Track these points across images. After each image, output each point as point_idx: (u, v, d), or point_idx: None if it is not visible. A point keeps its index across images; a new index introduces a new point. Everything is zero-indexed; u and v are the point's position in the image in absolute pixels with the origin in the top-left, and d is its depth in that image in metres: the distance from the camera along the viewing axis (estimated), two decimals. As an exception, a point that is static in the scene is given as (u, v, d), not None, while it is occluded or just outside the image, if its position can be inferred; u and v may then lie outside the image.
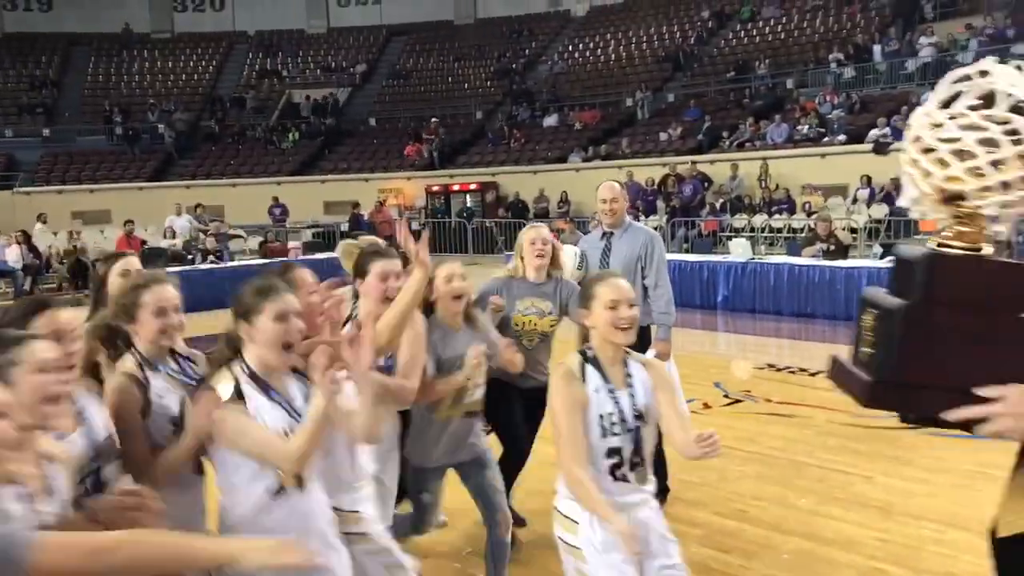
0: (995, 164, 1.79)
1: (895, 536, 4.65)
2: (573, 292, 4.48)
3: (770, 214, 17.88)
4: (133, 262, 3.73)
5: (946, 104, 1.89)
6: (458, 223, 22.45)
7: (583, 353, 2.98)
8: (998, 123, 1.81)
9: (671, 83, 26.26)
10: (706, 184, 19.52)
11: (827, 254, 12.28)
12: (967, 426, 1.80)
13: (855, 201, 17.34)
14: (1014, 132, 1.79)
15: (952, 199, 1.86)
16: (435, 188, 24.69)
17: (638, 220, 16.53)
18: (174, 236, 19.15)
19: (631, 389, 2.93)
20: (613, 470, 2.88)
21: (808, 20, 25.64)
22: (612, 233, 5.36)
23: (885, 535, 4.67)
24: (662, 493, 4.40)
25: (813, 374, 8.44)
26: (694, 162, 20.07)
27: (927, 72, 19.95)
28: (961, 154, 1.82)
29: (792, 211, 17.66)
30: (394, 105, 30.26)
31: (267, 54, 33.05)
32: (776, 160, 19.00)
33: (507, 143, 26.01)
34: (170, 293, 2.86)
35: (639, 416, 2.90)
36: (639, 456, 2.91)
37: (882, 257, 12.65)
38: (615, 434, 2.87)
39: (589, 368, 2.93)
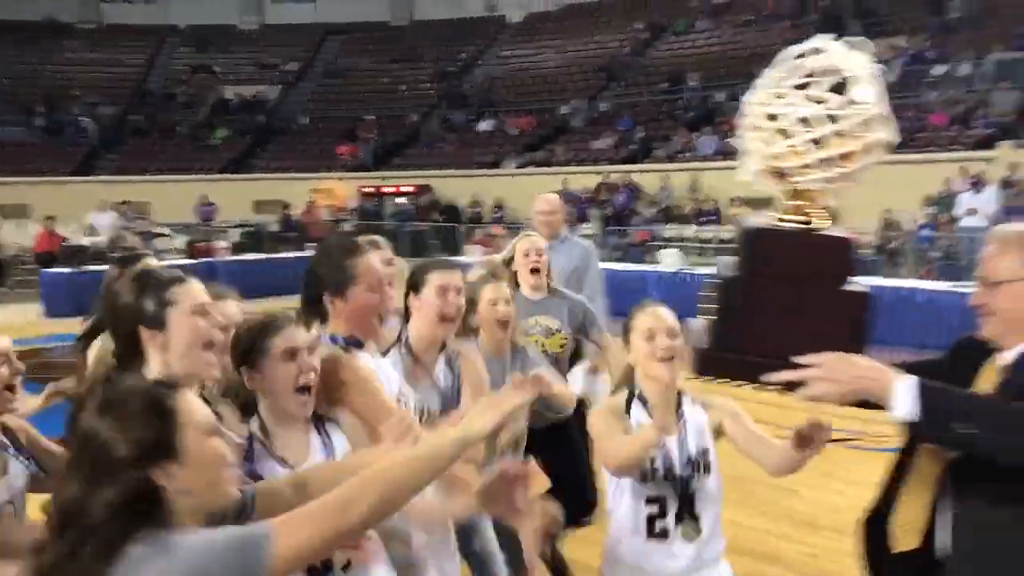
0: (814, 142, 1.84)
1: (822, 551, 4.77)
2: (592, 311, 4.16)
3: (699, 225, 18.17)
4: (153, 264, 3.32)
5: (777, 82, 1.94)
6: (392, 226, 22.30)
7: (630, 388, 2.72)
8: (817, 102, 1.84)
9: (605, 92, 26.51)
10: (638, 194, 19.75)
11: (755, 266, 12.58)
12: (791, 387, 1.89)
13: (782, 214, 17.75)
14: (831, 111, 1.83)
15: (782, 175, 1.94)
16: (368, 190, 24.52)
17: (572, 228, 16.70)
18: (97, 233, 18.61)
19: (682, 435, 2.62)
20: (651, 521, 2.57)
21: (740, 35, 26.16)
22: (549, 245, 5.39)
23: (813, 549, 4.78)
24: (588, 510, 3.97)
25: (738, 385, 8.60)
26: (627, 172, 20.31)
27: (852, 90, 20.52)
28: (784, 132, 1.86)
29: (720, 222, 17.99)
30: (328, 105, 29.92)
31: (199, 49, 32.38)
32: (706, 172, 19.32)
33: (442, 147, 25.96)
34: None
35: (691, 463, 2.62)
36: (689, 507, 2.59)
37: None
38: (655, 480, 2.57)
39: (635, 404, 2.67)
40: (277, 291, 16.40)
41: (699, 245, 17.73)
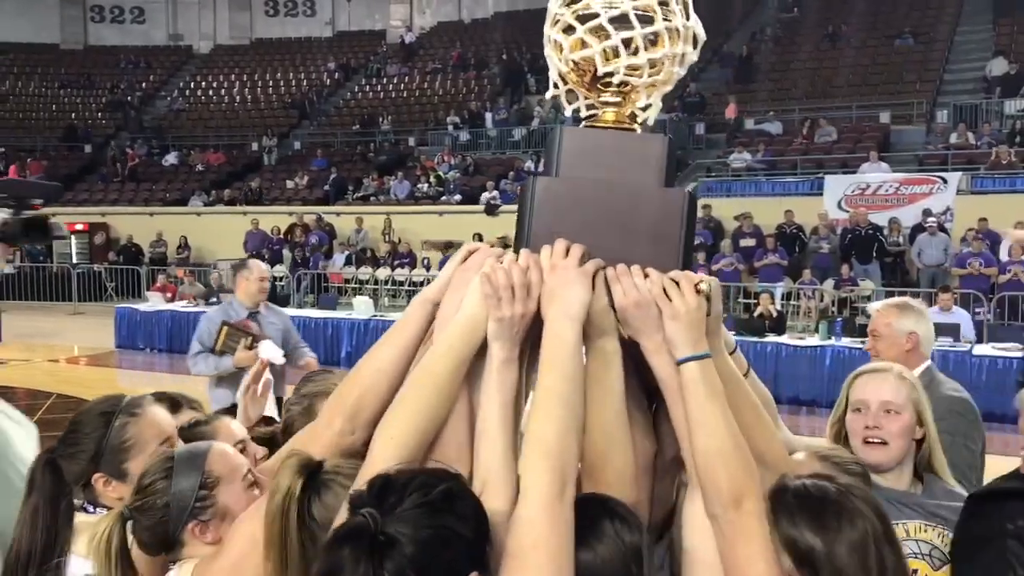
0: (625, 44, 1.68)
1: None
2: None
3: (393, 268, 18.58)
4: None
5: None
6: (61, 268, 20.49)
7: None
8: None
9: (297, 130, 26.38)
10: (332, 236, 19.82)
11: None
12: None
13: (470, 257, 18.60)
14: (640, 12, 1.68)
15: (593, 82, 1.76)
16: (34, 227, 22.38)
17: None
18: None
19: None
20: None
21: (428, 82, 27.16)
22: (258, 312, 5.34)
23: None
24: None
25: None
26: (321, 212, 20.33)
27: (532, 140, 22.13)
28: (599, 33, 1.68)
29: (414, 265, 18.53)
30: (-14, 131, 27.04)
31: None
32: (399, 215, 19.82)
33: (120, 181, 24.37)
34: None
35: None
36: None
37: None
38: None
39: None
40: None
41: (393, 287, 18.13)
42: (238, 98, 28.55)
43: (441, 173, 21.11)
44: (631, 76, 1.70)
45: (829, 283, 14.55)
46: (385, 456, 1.49)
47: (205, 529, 1.73)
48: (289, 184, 22.71)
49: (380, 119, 25.12)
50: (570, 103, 1.83)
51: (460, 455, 1.55)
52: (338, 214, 20.62)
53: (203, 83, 29.59)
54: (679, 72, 1.74)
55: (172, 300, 15.24)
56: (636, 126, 1.78)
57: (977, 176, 16.33)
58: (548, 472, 1.42)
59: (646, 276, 1.60)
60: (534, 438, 1.46)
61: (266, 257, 18.77)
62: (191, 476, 1.75)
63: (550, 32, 1.75)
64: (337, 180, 22.14)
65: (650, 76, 1.71)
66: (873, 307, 3.55)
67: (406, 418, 1.53)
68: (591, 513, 1.49)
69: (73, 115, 28.03)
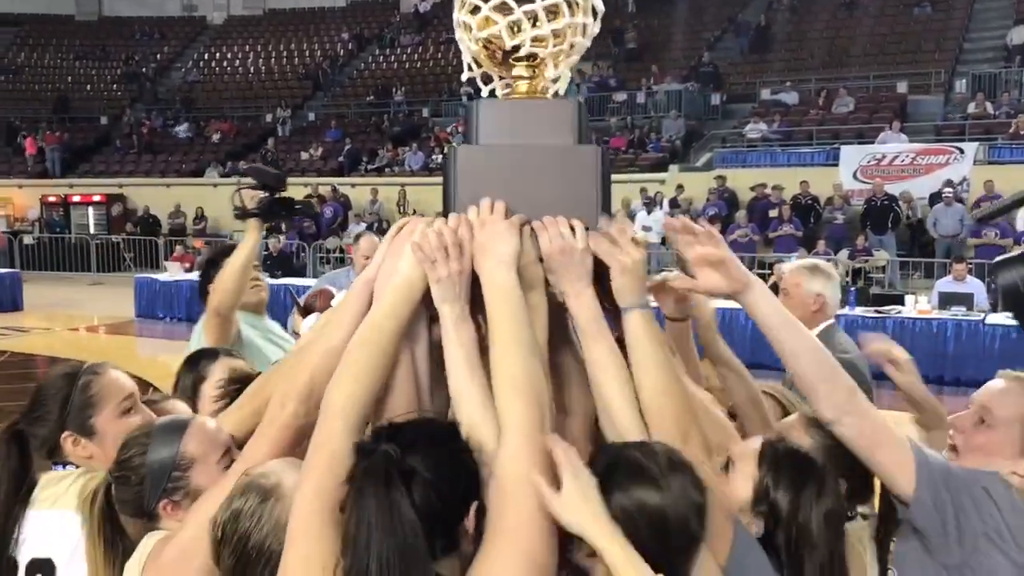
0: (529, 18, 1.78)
1: None
2: None
3: (408, 238, 18.66)
4: None
5: None
6: (79, 239, 20.71)
7: None
8: None
9: (311, 101, 26.37)
10: (347, 207, 19.89)
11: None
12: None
13: (484, 228, 18.63)
14: None
15: (504, 58, 1.84)
16: (52, 199, 22.58)
17: (280, 240, 16.54)
18: None
19: None
20: None
21: (442, 52, 27.04)
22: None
23: None
24: None
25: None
26: (336, 184, 20.38)
27: (545, 111, 22.01)
28: (503, 8, 1.78)
29: (428, 236, 18.60)
30: (1, 103, 27.15)
31: None
32: (414, 187, 19.85)
33: (137, 152, 24.49)
34: None
35: None
36: None
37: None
38: None
39: None
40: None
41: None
42: (252, 69, 28.54)
43: (455, 144, 21.04)
44: (537, 47, 1.80)
45: (844, 253, 14.54)
46: (339, 414, 1.54)
47: (177, 508, 1.76)
48: (304, 155, 22.76)
49: (394, 90, 25.07)
50: (486, 84, 1.94)
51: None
52: (353, 185, 20.67)
53: (217, 54, 29.57)
54: (583, 42, 1.85)
55: (190, 270, 15.37)
56: (548, 97, 1.88)
57: (994, 146, 16.21)
58: (524, 405, 1.47)
59: (572, 229, 1.68)
60: (502, 378, 1.52)
61: (284, 228, 18.91)
62: (166, 455, 1.76)
63: (459, 16, 1.84)
64: (351, 151, 22.17)
65: (555, 46, 1.81)
66: (785, 267, 3.67)
67: (355, 378, 1.58)
68: None
69: (88, 87, 28.11)
